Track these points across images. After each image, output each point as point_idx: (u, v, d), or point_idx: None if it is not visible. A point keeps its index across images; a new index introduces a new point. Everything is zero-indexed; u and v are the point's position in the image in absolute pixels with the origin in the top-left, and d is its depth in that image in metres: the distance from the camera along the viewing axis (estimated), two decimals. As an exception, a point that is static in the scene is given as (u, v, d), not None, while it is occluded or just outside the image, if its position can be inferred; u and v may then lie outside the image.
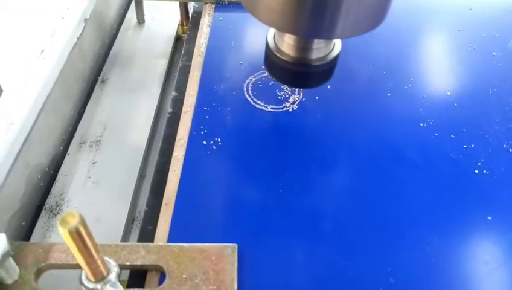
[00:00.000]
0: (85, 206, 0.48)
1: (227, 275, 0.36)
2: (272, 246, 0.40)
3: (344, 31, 0.37)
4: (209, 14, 0.65)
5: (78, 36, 0.53)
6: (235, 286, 0.36)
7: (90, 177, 0.51)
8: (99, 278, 0.33)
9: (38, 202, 0.48)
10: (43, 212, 0.47)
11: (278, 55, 0.45)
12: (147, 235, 0.42)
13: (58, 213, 0.47)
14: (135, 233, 0.49)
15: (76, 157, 0.53)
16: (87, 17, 0.55)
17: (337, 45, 0.46)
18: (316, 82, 0.48)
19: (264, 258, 0.39)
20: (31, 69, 0.45)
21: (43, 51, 0.47)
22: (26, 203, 0.46)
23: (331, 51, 0.45)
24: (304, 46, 0.44)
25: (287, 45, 0.44)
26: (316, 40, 0.43)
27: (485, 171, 0.46)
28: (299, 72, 0.45)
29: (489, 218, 0.43)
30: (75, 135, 0.55)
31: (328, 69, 0.46)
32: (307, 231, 0.41)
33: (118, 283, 0.33)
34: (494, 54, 0.60)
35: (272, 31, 0.46)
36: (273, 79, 0.50)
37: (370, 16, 0.38)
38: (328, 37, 0.41)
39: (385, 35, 0.62)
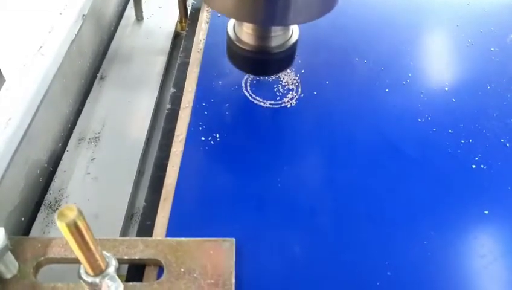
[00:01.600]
0: (84, 202, 0.48)
1: (225, 269, 0.36)
2: (269, 240, 0.40)
3: (297, 17, 0.39)
4: (207, 10, 0.65)
5: (76, 32, 0.53)
6: (233, 280, 0.36)
7: (89, 173, 0.51)
8: (98, 272, 0.33)
9: (38, 197, 0.49)
10: (42, 208, 0.47)
11: (238, 44, 0.46)
12: (146, 230, 0.42)
13: (57, 209, 0.47)
14: (134, 229, 0.49)
15: (75, 154, 0.53)
16: (85, 13, 0.55)
17: (295, 32, 0.48)
18: (276, 69, 0.50)
19: (262, 252, 0.39)
20: (29, 65, 0.45)
21: (41, 47, 0.47)
22: (25, 198, 0.46)
23: (289, 38, 0.47)
24: (262, 34, 0.45)
25: (246, 34, 0.46)
26: (273, 28, 0.45)
27: (482, 166, 0.47)
28: (260, 60, 0.47)
29: (486, 212, 0.43)
30: (74, 131, 0.55)
31: (287, 55, 0.48)
32: (305, 225, 0.41)
33: (116, 277, 0.33)
34: (492, 49, 0.60)
35: (231, 21, 0.48)
36: (237, 68, 0.51)
37: (320, 2, 0.40)
38: (282, 23, 0.43)
39: (383, 32, 0.62)
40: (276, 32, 0.45)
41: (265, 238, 0.40)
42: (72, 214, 0.28)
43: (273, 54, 0.46)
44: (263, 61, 0.48)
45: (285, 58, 0.48)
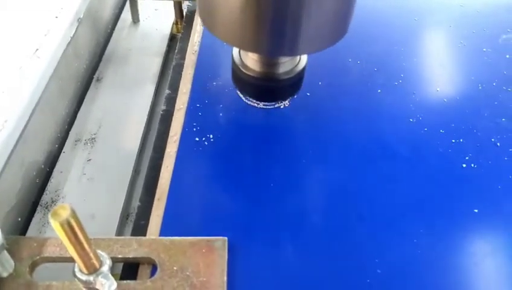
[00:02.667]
0: (80, 203, 0.49)
1: (217, 267, 0.37)
2: (261, 240, 0.41)
3: (305, 47, 0.38)
4: (202, 12, 0.66)
5: (71, 35, 0.54)
6: (225, 278, 0.36)
7: (85, 174, 0.52)
8: (92, 270, 0.34)
9: (34, 198, 0.49)
10: (39, 208, 0.48)
11: (244, 70, 0.45)
12: (140, 229, 0.43)
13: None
14: (130, 228, 0.50)
15: (71, 155, 0.54)
16: (81, 16, 0.56)
17: (303, 58, 0.46)
18: (283, 95, 0.48)
19: (254, 251, 0.40)
20: (25, 67, 0.46)
21: (37, 49, 0.47)
22: (22, 199, 0.47)
23: (296, 65, 0.45)
24: (269, 61, 0.43)
25: (252, 60, 0.44)
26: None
27: (472, 165, 0.47)
28: (266, 87, 0.46)
29: (476, 211, 0.43)
30: (71, 132, 0.56)
31: (294, 82, 0.46)
32: (296, 225, 0.42)
33: (110, 275, 0.34)
34: (484, 49, 0.61)
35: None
36: (242, 94, 0.50)
37: (331, 31, 0.38)
38: (290, 54, 0.42)
39: (376, 33, 0.63)
40: (284, 59, 0.44)
41: (257, 237, 0.41)
42: (65, 213, 0.28)
43: (280, 80, 0.45)
44: (270, 88, 0.46)
45: (292, 85, 0.47)
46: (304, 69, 0.46)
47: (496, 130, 0.51)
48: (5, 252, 0.35)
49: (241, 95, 0.54)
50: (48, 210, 0.48)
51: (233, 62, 0.46)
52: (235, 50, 0.46)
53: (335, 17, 0.37)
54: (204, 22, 0.39)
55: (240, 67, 0.45)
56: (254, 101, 0.53)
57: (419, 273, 0.39)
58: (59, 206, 0.29)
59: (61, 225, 0.29)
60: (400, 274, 0.39)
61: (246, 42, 0.37)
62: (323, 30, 0.37)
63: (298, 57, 0.46)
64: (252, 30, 0.36)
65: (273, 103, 0.53)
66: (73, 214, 0.29)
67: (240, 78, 0.46)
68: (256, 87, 0.46)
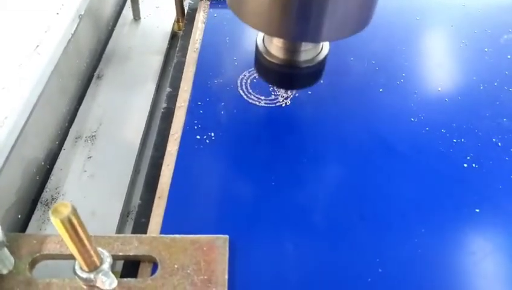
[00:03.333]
0: (80, 200, 0.49)
1: (218, 265, 0.37)
2: (262, 238, 0.41)
3: (330, 34, 0.38)
4: (204, 10, 0.66)
5: (72, 32, 0.54)
6: (226, 276, 0.36)
7: (85, 171, 0.51)
8: (93, 268, 0.34)
9: (34, 195, 0.49)
10: (39, 205, 0.48)
11: (267, 57, 0.45)
12: (141, 228, 0.43)
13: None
14: (130, 226, 0.50)
15: (71, 152, 0.54)
16: (82, 13, 0.56)
17: (325, 47, 0.46)
18: (304, 83, 0.49)
19: (255, 249, 0.40)
20: (25, 64, 0.46)
21: (37, 46, 0.47)
22: (22, 196, 0.47)
23: (319, 53, 0.46)
24: (292, 48, 0.44)
25: (276, 47, 0.45)
26: (303, 43, 0.44)
27: (474, 165, 0.47)
28: (288, 74, 0.46)
29: (477, 210, 0.43)
30: (71, 129, 0.56)
31: (316, 70, 0.46)
32: (298, 223, 0.42)
33: (111, 273, 0.34)
34: (486, 50, 0.61)
35: (261, 33, 0.47)
36: (265, 81, 0.50)
37: (355, 19, 0.39)
38: (314, 40, 0.42)
39: (378, 32, 0.63)
40: (307, 46, 0.44)
41: (258, 235, 0.41)
42: (66, 210, 0.28)
43: (302, 68, 0.45)
44: (292, 75, 0.47)
45: (313, 73, 0.47)
46: (325, 58, 0.46)
47: (497, 130, 0.51)
48: (5, 249, 0.35)
49: (242, 93, 0.54)
50: (48, 207, 0.48)
51: (257, 49, 0.47)
52: (259, 37, 0.47)
53: (360, 5, 0.38)
54: (233, 8, 0.40)
55: (264, 54, 0.46)
56: (256, 99, 0.53)
57: (420, 273, 0.39)
58: (60, 204, 0.29)
59: (62, 222, 0.29)
60: (401, 273, 0.39)
61: (272, 27, 0.38)
62: (347, 18, 0.38)
63: (320, 46, 0.46)
64: (278, 16, 0.37)
65: (275, 101, 0.53)
66: (74, 211, 0.29)
67: (263, 65, 0.47)
68: (278, 74, 0.47)
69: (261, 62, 0.47)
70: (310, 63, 0.45)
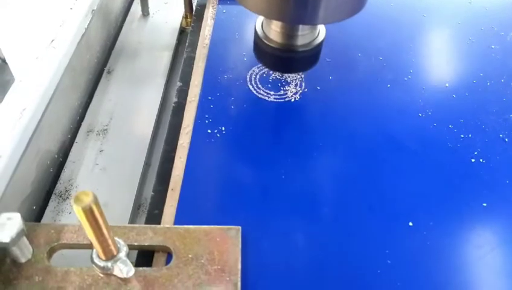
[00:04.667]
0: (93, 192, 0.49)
1: (231, 256, 0.38)
2: (274, 229, 0.42)
3: (326, 16, 0.40)
4: (213, 6, 0.67)
5: (85, 26, 0.54)
6: (239, 266, 0.37)
7: (97, 164, 0.52)
8: (110, 256, 0.35)
9: (48, 187, 0.50)
10: (53, 197, 0.49)
11: (266, 42, 0.47)
12: (154, 219, 0.43)
13: (67, 198, 0.49)
14: (141, 218, 0.51)
15: (84, 145, 0.54)
16: (95, 8, 0.57)
17: (321, 31, 0.48)
18: (302, 67, 0.51)
19: (267, 239, 0.41)
20: (41, 57, 0.46)
21: (53, 40, 0.48)
22: (37, 188, 0.48)
23: (315, 38, 0.48)
24: (290, 32, 0.46)
25: (274, 32, 0.47)
26: (301, 27, 0.46)
27: (481, 160, 0.48)
28: (286, 58, 0.48)
29: (484, 205, 0.44)
30: (83, 123, 0.57)
31: (313, 54, 0.48)
32: (308, 215, 0.43)
33: (128, 261, 0.35)
34: (492, 47, 0.61)
35: (260, 19, 0.49)
36: (263, 65, 0.53)
37: (350, 2, 0.40)
38: (311, 22, 0.44)
39: (386, 28, 0.63)
40: (304, 31, 0.46)
41: (269, 226, 0.42)
42: (87, 199, 0.29)
43: (299, 52, 0.47)
44: (289, 59, 0.49)
45: (310, 57, 0.49)
46: (321, 42, 0.48)
47: (504, 126, 0.51)
48: (25, 238, 0.36)
49: (251, 88, 0.54)
50: (62, 199, 0.49)
51: (256, 34, 0.48)
52: (258, 23, 0.49)
53: None
54: None
55: (263, 39, 0.47)
56: (265, 94, 0.53)
57: (428, 264, 0.40)
58: (81, 192, 0.29)
59: (84, 210, 0.29)
60: (410, 265, 0.40)
61: (271, 10, 0.40)
62: (343, 1, 0.40)
63: (317, 31, 0.48)
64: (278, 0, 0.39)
65: (284, 96, 0.53)
66: (95, 200, 0.30)
67: (262, 49, 0.48)
68: (276, 58, 0.49)
69: (260, 47, 0.48)
70: (307, 47, 0.47)
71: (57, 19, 0.50)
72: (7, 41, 0.49)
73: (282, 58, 0.49)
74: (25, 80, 0.44)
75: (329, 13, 0.40)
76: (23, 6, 0.52)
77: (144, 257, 0.40)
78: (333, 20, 0.42)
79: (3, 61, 0.46)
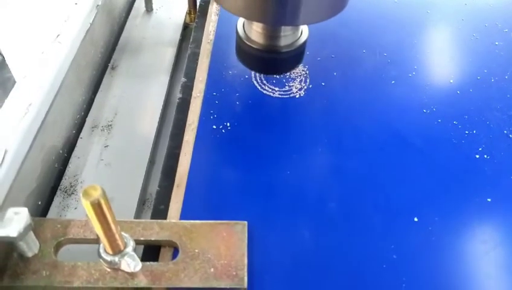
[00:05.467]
0: (99, 187, 0.49)
1: (237, 250, 0.38)
2: (280, 224, 0.42)
3: (306, 17, 0.40)
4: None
5: (90, 22, 0.54)
6: (245, 261, 0.37)
7: (102, 160, 0.52)
8: (117, 251, 0.35)
9: (53, 182, 0.50)
10: (58, 192, 0.49)
11: (248, 43, 0.47)
12: (159, 214, 0.44)
13: (72, 193, 0.49)
14: (147, 214, 0.51)
15: (88, 141, 0.54)
16: (100, 3, 0.57)
17: (304, 32, 0.48)
18: (284, 68, 0.50)
19: (273, 235, 0.41)
20: (47, 52, 0.46)
21: (58, 35, 0.48)
22: (42, 183, 0.48)
23: (298, 38, 0.47)
24: (271, 33, 0.45)
25: (256, 32, 0.46)
26: (283, 28, 0.45)
27: (485, 156, 0.48)
28: (268, 59, 0.48)
29: (489, 200, 0.44)
30: (87, 119, 0.57)
31: (295, 55, 0.48)
32: (313, 210, 0.43)
33: (135, 256, 0.35)
34: (496, 43, 0.61)
35: (241, 20, 0.48)
36: (245, 66, 0.52)
37: (331, 2, 0.40)
38: (292, 23, 0.43)
39: (390, 25, 0.63)
40: (286, 31, 0.46)
41: (275, 222, 0.42)
42: (96, 193, 0.29)
43: (282, 53, 0.47)
44: (272, 60, 0.48)
45: (293, 58, 0.48)
46: (304, 42, 0.48)
47: (508, 122, 0.51)
48: (32, 232, 0.36)
49: (256, 84, 0.54)
50: (67, 194, 0.49)
51: (238, 35, 0.48)
52: (240, 24, 0.48)
53: None
54: None
55: (244, 40, 0.47)
56: (270, 90, 0.54)
57: (433, 259, 0.40)
58: (90, 186, 0.30)
59: (92, 205, 0.30)
60: (415, 260, 0.40)
61: (251, 12, 0.39)
62: (323, 1, 0.40)
63: (300, 31, 0.47)
64: (257, 0, 0.38)
65: (289, 92, 0.53)
66: (104, 194, 0.30)
67: (244, 51, 0.48)
68: (259, 59, 0.48)
69: (241, 48, 0.48)
70: (289, 48, 0.47)
71: (62, 14, 0.50)
72: (12, 36, 0.49)
73: (265, 59, 0.48)
74: (31, 76, 0.44)
75: (310, 14, 0.40)
76: (28, 2, 0.52)
77: (151, 251, 0.40)
78: (314, 21, 0.41)
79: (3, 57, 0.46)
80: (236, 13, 0.41)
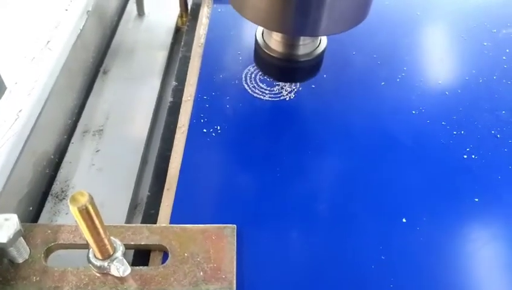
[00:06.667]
0: (89, 192, 0.50)
1: (227, 254, 0.38)
2: (269, 227, 0.42)
3: (328, 28, 0.40)
4: (208, 5, 0.67)
5: (81, 28, 0.55)
6: (234, 264, 0.38)
7: (94, 165, 0.53)
8: (106, 256, 0.35)
9: (45, 188, 0.50)
10: (49, 197, 0.49)
11: (267, 51, 0.47)
12: (150, 219, 0.44)
13: (63, 199, 0.49)
14: (138, 219, 0.51)
15: (80, 146, 0.55)
16: (90, 9, 0.57)
17: (323, 41, 0.48)
18: (303, 77, 0.50)
19: (262, 238, 0.41)
20: (37, 58, 0.47)
21: (48, 41, 0.48)
22: (33, 189, 0.48)
23: (317, 47, 0.47)
24: (290, 42, 0.46)
25: (275, 41, 0.46)
26: (302, 37, 0.45)
27: (473, 156, 0.48)
28: (287, 67, 0.48)
29: (476, 200, 0.45)
30: (79, 124, 0.57)
31: (314, 64, 0.48)
32: (303, 213, 0.43)
33: (125, 260, 0.35)
34: (485, 43, 0.62)
35: (260, 28, 0.48)
36: (264, 74, 0.52)
37: (353, 13, 0.40)
38: (313, 34, 0.44)
39: (380, 27, 0.64)
40: (305, 41, 0.46)
41: (265, 224, 0.42)
42: (83, 199, 0.29)
43: (300, 62, 0.47)
44: (290, 69, 0.49)
45: (311, 67, 0.49)
46: (323, 51, 0.48)
47: (496, 122, 0.52)
48: (22, 238, 0.36)
49: (247, 87, 0.55)
50: (58, 199, 0.49)
51: (257, 43, 0.48)
52: (259, 32, 0.48)
53: (357, 0, 0.39)
54: (233, 4, 0.41)
55: (263, 48, 0.47)
56: (260, 93, 0.54)
57: (422, 259, 0.40)
58: (77, 192, 0.30)
59: (80, 210, 0.30)
60: (403, 260, 0.40)
61: (272, 22, 0.40)
62: (345, 12, 0.40)
63: (319, 40, 0.48)
64: (278, 11, 0.38)
65: (279, 95, 0.54)
66: (91, 200, 0.30)
67: (263, 59, 0.48)
68: (277, 68, 0.48)
69: (260, 56, 0.48)
70: (308, 57, 0.47)
71: (52, 20, 0.51)
72: (2, 43, 0.49)
73: (284, 68, 0.48)
74: (21, 82, 0.44)
75: (331, 25, 0.40)
76: (19, 9, 0.52)
77: (141, 256, 0.40)
78: (335, 32, 0.41)
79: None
80: (259, 23, 0.41)
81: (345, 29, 0.41)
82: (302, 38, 0.45)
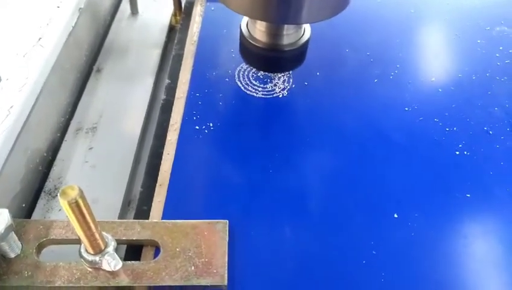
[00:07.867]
0: (83, 189, 0.49)
1: (218, 249, 0.38)
2: (261, 222, 0.42)
3: (310, 16, 0.41)
4: (201, 4, 0.67)
5: (73, 25, 0.54)
6: (226, 259, 0.38)
7: (87, 162, 0.52)
8: (98, 250, 0.35)
9: (38, 185, 0.50)
10: (42, 194, 0.49)
11: (251, 41, 0.47)
12: (142, 214, 0.44)
13: (56, 195, 0.49)
14: (131, 215, 0.51)
15: (73, 143, 0.54)
16: (82, 6, 0.57)
17: (306, 31, 0.49)
18: (287, 66, 0.51)
19: (254, 233, 0.41)
20: (29, 55, 0.47)
21: (40, 38, 0.48)
22: (26, 186, 0.48)
23: (301, 37, 0.48)
24: (275, 32, 0.46)
25: (259, 31, 0.47)
26: (286, 26, 0.46)
27: (465, 153, 0.49)
28: (272, 57, 0.48)
29: (468, 196, 0.45)
30: (72, 121, 0.57)
31: (298, 54, 0.49)
32: (294, 208, 0.43)
33: (116, 255, 0.35)
34: (478, 41, 0.62)
35: (245, 19, 0.49)
36: (248, 65, 0.53)
37: (334, 1, 0.41)
38: (295, 22, 0.44)
39: (374, 24, 0.64)
40: (289, 30, 0.46)
41: (257, 220, 0.42)
42: (73, 193, 0.29)
43: (285, 51, 0.48)
44: (275, 59, 0.49)
45: (296, 56, 0.49)
46: (307, 41, 0.48)
47: (488, 119, 0.52)
48: (13, 233, 0.36)
49: (239, 85, 0.55)
50: (51, 196, 0.49)
51: (241, 34, 0.49)
52: (243, 23, 0.49)
53: None
54: None
55: (248, 38, 0.48)
56: (253, 90, 0.54)
57: (413, 255, 0.41)
58: (67, 186, 0.30)
59: (70, 204, 0.30)
60: (395, 255, 0.40)
61: (255, 11, 0.40)
62: (326, 0, 0.40)
63: (302, 30, 0.48)
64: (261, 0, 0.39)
65: (272, 92, 0.54)
66: (81, 194, 0.30)
67: (247, 49, 0.49)
68: (262, 58, 0.49)
69: (245, 47, 0.49)
70: (292, 46, 0.47)
71: (44, 17, 0.51)
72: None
73: (268, 58, 0.49)
74: (12, 78, 0.44)
75: (313, 12, 0.40)
76: (10, 6, 0.52)
77: (133, 251, 0.40)
78: (317, 19, 0.42)
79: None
80: (241, 12, 0.41)
81: (327, 16, 0.42)
82: (285, 27, 0.46)
